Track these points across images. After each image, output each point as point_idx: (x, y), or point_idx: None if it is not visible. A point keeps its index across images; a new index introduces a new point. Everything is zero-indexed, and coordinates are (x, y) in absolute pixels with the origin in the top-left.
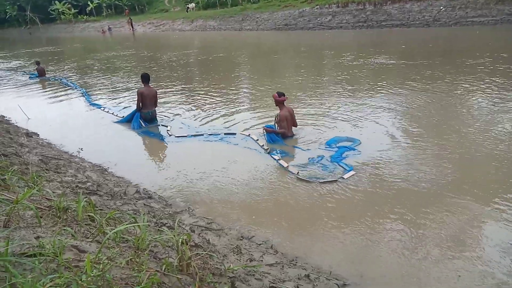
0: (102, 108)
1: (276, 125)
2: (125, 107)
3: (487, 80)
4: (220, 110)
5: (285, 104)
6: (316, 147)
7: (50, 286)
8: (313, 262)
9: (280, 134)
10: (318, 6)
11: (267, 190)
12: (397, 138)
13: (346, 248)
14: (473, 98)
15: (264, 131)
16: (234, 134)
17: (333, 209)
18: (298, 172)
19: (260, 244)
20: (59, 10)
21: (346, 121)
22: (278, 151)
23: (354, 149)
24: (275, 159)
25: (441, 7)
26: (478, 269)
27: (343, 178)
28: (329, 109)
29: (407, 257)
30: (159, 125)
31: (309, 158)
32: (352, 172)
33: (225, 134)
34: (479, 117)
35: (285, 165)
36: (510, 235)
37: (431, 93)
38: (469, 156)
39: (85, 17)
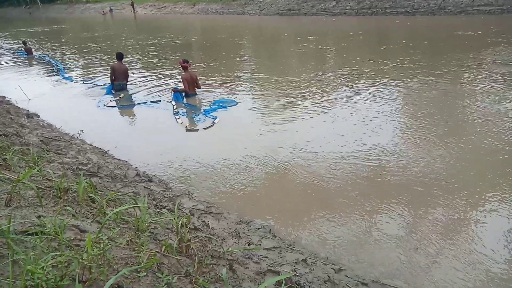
0: (75, 81)
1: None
2: (92, 79)
3: None
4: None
5: (189, 69)
6: (204, 105)
7: (52, 264)
8: (285, 236)
9: (183, 92)
10: None
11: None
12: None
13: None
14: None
15: (172, 91)
16: (159, 101)
17: (204, 139)
18: (186, 126)
19: (258, 229)
20: None
21: (243, 89)
22: (181, 112)
23: (225, 108)
24: (175, 118)
25: None
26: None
27: (214, 123)
28: (243, 81)
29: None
30: (124, 93)
31: (193, 114)
32: (218, 119)
33: (151, 102)
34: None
35: (180, 122)
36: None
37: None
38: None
39: None
